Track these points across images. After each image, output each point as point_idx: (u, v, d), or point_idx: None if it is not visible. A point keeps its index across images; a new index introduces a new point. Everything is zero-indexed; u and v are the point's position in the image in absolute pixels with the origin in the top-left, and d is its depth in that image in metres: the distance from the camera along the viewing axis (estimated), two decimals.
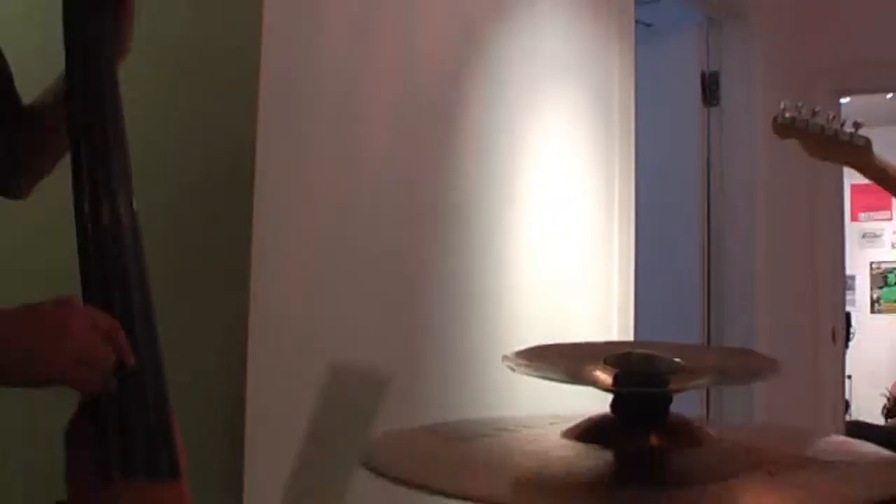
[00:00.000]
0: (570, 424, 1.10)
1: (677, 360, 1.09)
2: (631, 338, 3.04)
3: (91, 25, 1.34)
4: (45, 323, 1.13)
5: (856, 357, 6.21)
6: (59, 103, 1.40)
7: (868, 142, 2.20)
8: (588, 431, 1.07)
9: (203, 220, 1.94)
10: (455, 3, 2.45)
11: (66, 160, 1.34)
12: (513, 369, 1.19)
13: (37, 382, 1.15)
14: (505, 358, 1.20)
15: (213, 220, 1.95)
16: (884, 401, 5.69)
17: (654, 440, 1.06)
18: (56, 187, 1.36)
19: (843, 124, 2.22)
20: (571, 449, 1.06)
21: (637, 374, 1.08)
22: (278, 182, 1.95)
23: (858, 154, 2.20)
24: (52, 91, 1.45)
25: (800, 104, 2.21)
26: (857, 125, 2.21)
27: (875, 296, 8.02)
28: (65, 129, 1.35)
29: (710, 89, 4.02)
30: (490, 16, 2.57)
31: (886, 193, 2.31)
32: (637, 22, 3.29)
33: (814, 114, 2.19)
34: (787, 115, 2.19)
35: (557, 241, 2.79)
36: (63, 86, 1.35)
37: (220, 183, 1.95)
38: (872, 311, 7.97)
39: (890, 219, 7.77)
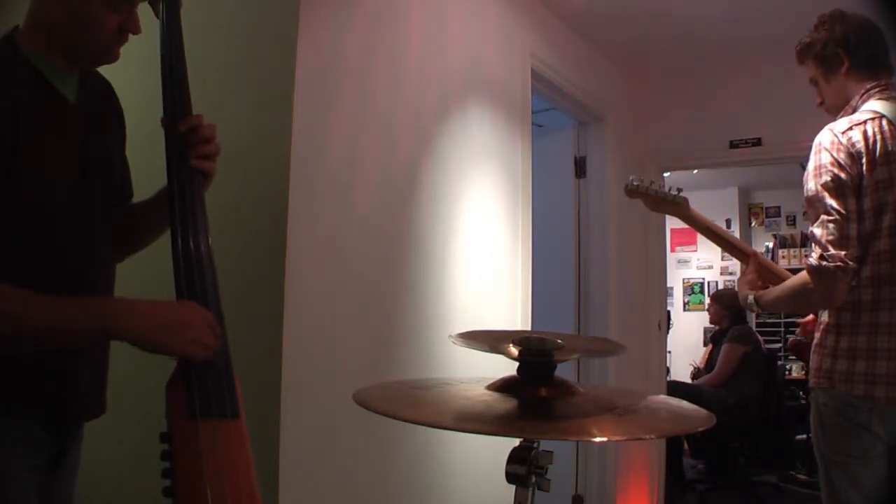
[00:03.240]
0: (491, 381, 1.11)
1: (559, 341, 1.10)
2: (529, 327, 3.02)
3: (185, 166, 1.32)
4: (175, 315, 1.15)
5: (673, 339, 6.27)
6: (154, 205, 1.40)
7: (685, 199, 2.21)
8: (502, 385, 1.09)
9: (247, 252, 1.92)
10: (415, 113, 2.46)
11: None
12: (456, 344, 1.21)
13: (168, 352, 1.15)
14: (450, 337, 1.22)
15: (256, 248, 1.93)
16: (691, 368, 5.76)
17: (543, 391, 1.08)
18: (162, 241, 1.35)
19: (669, 189, 2.23)
20: (491, 396, 1.07)
21: (533, 350, 1.09)
22: (302, 229, 1.93)
23: (679, 208, 2.21)
24: (149, 200, 1.43)
25: (642, 178, 2.23)
26: (678, 189, 2.22)
27: (685, 300, 8.07)
28: (155, 224, 1.38)
29: (580, 167, 4.02)
30: (438, 120, 2.58)
31: (694, 233, 2.34)
32: (533, 124, 3.30)
33: (651, 182, 2.21)
34: (634, 183, 2.20)
35: (482, 264, 2.79)
36: (163, 192, 1.33)
37: (263, 227, 1.94)
38: (684, 310, 8.00)
39: (696, 250, 7.80)
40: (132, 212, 1.45)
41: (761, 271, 2.10)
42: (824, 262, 1.75)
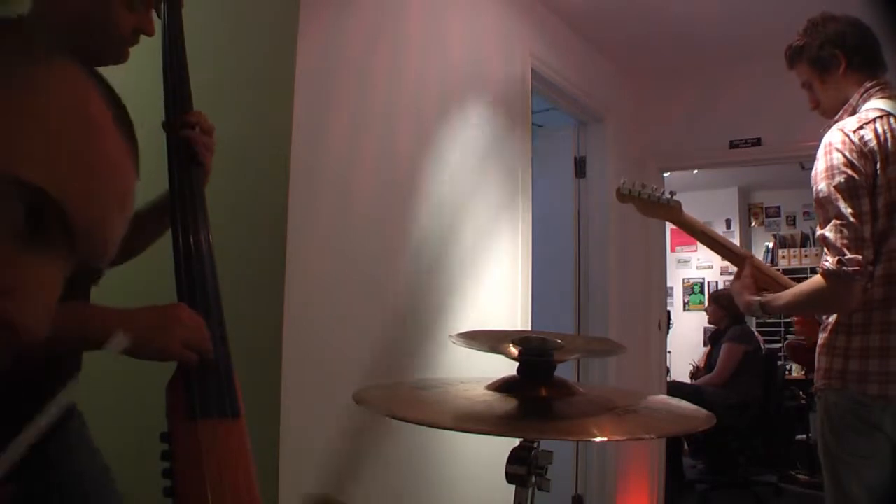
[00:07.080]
0: (491, 381, 1.12)
1: (559, 341, 1.11)
2: (529, 327, 3.01)
3: (183, 164, 1.31)
4: (165, 318, 1.13)
5: (673, 339, 6.26)
6: (154, 212, 1.36)
7: (679, 204, 2.12)
8: (502, 385, 1.09)
9: (248, 251, 1.92)
10: (416, 114, 2.46)
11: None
12: (456, 344, 1.22)
13: (159, 357, 1.14)
14: (450, 337, 1.23)
15: (256, 248, 1.94)
16: (690, 368, 5.76)
17: (543, 391, 1.08)
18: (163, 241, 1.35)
19: (662, 193, 2.13)
20: (491, 396, 1.07)
21: (533, 350, 1.10)
22: (302, 228, 1.93)
23: (673, 213, 2.12)
24: (149, 204, 1.39)
25: (634, 181, 2.12)
26: (672, 193, 2.13)
27: (685, 300, 8.06)
28: (156, 230, 1.35)
29: (580, 167, 4.02)
30: (438, 120, 2.58)
31: None
32: (533, 124, 3.30)
33: (643, 186, 2.11)
34: (627, 187, 2.10)
35: (483, 265, 2.78)
36: (164, 197, 1.32)
37: (263, 226, 1.94)
38: (684, 310, 8.00)
39: (696, 250, 7.78)
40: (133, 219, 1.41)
41: (756, 275, 2.03)
42: (843, 267, 1.70)
